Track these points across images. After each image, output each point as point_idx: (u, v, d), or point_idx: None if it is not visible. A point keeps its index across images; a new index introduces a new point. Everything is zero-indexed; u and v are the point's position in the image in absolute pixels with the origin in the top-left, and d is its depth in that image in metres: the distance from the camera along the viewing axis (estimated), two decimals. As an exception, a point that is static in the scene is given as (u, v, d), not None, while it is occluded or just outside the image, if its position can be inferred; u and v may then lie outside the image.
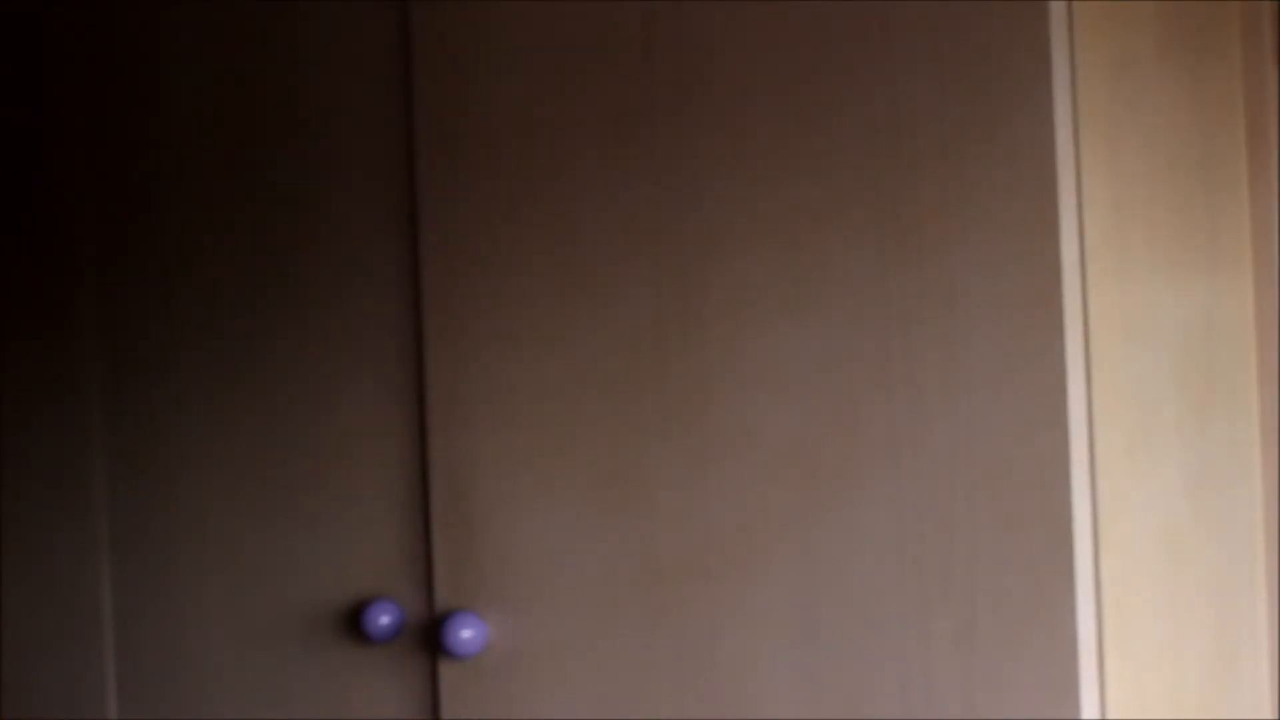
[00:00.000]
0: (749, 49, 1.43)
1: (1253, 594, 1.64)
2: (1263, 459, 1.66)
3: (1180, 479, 1.51)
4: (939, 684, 1.37)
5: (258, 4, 1.68)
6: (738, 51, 1.44)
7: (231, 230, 1.70)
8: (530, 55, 1.53)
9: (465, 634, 1.54)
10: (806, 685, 1.43)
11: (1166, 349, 1.49)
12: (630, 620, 1.50)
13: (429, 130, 1.59)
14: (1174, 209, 1.52)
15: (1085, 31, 1.37)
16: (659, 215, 1.48)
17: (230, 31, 1.70)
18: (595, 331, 1.51)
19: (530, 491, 1.54)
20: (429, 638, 1.60)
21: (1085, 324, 1.35)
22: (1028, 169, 1.33)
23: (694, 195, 1.46)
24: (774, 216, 1.43)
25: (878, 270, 1.39)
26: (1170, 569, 1.48)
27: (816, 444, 1.41)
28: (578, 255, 1.52)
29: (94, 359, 1.79)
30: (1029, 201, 1.33)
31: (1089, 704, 1.33)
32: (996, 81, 1.34)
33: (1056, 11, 1.33)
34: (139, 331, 1.76)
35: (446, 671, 1.59)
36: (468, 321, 1.57)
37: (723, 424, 1.45)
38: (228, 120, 1.70)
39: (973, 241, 1.35)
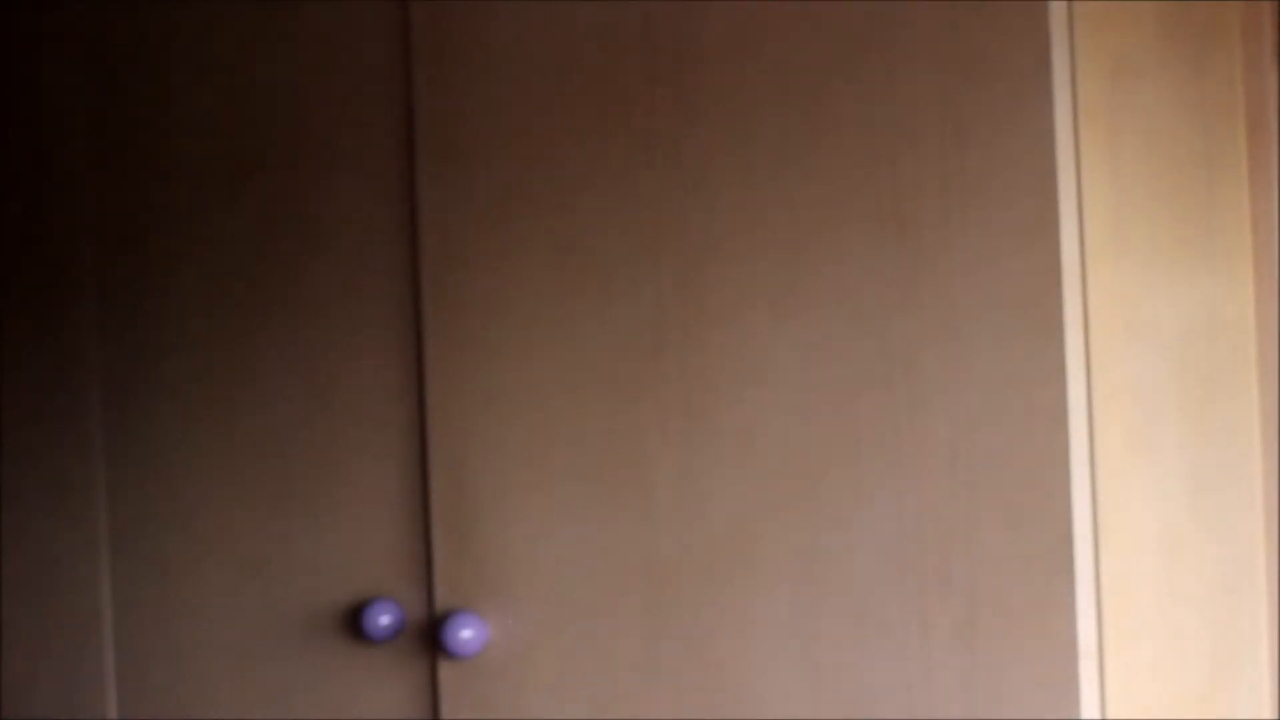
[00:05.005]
0: (749, 48, 1.43)
1: (1253, 594, 1.64)
2: (1263, 458, 1.66)
3: (1180, 478, 1.51)
4: (939, 684, 1.37)
5: (258, 5, 1.68)
6: (738, 51, 1.44)
7: (231, 229, 1.70)
8: (530, 55, 1.53)
9: (465, 634, 1.54)
10: (806, 685, 1.43)
11: (1166, 348, 1.49)
12: (630, 620, 1.50)
13: (429, 130, 1.58)
14: (1174, 208, 1.52)
15: (1085, 31, 1.37)
16: (659, 214, 1.48)
17: (230, 32, 1.70)
18: (595, 330, 1.51)
19: (530, 491, 1.54)
20: (429, 638, 1.60)
21: (1085, 323, 1.35)
22: (1028, 168, 1.33)
23: (694, 194, 1.46)
24: (774, 216, 1.43)
25: (878, 269, 1.39)
26: (1170, 568, 1.48)
27: (817, 443, 1.41)
28: (577, 254, 1.52)
29: (94, 359, 1.79)
30: (1029, 201, 1.33)
31: (1089, 704, 1.33)
32: (997, 81, 1.34)
33: (1056, 11, 1.33)
34: (139, 331, 1.76)
35: (446, 671, 1.59)
36: (467, 321, 1.57)
37: (722, 423, 1.45)
38: (227, 120, 1.70)
39: (973, 240, 1.35)
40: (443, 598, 1.59)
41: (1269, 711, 1.65)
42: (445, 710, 1.59)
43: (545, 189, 1.53)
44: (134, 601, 1.77)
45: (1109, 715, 1.36)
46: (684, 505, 1.47)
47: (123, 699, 1.78)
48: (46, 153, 1.81)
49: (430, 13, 1.58)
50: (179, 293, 1.74)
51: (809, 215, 1.41)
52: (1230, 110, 1.64)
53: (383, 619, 1.60)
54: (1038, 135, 1.32)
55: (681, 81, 1.47)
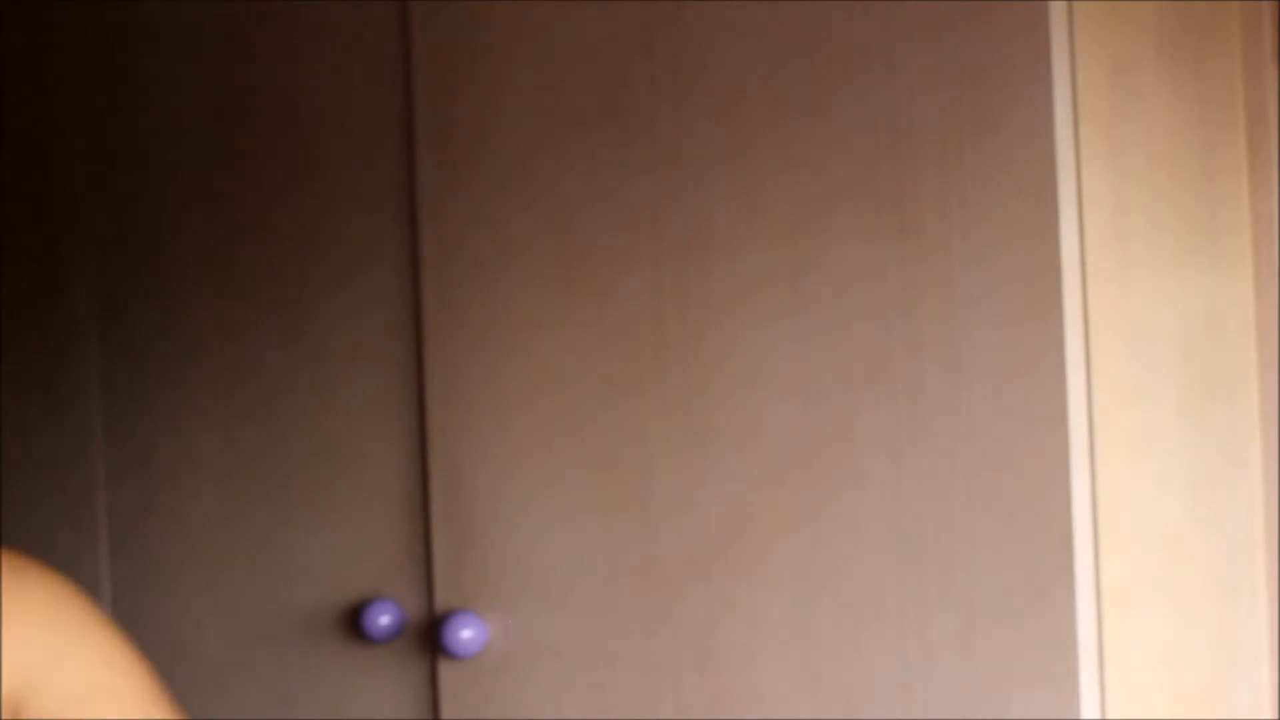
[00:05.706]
0: (748, 47, 1.43)
1: (1253, 594, 1.64)
2: (1263, 458, 1.66)
3: (1180, 477, 1.51)
4: (939, 684, 1.37)
5: (258, 4, 1.68)
6: (737, 50, 1.44)
7: (231, 229, 1.70)
8: (530, 53, 1.53)
9: (465, 634, 1.54)
10: (806, 685, 1.43)
11: (1167, 346, 1.49)
12: (630, 620, 1.50)
13: (429, 129, 1.58)
14: (1174, 207, 1.52)
15: (1085, 31, 1.37)
16: (658, 213, 1.48)
17: (230, 30, 1.70)
18: (595, 330, 1.51)
19: (530, 491, 1.54)
20: (429, 638, 1.60)
21: (1085, 322, 1.35)
22: (1028, 167, 1.33)
23: (693, 193, 1.46)
24: (774, 214, 1.43)
25: (877, 269, 1.39)
26: (1170, 568, 1.48)
27: (816, 442, 1.41)
28: (577, 253, 1.52)
29: (94, 359, 1.79)
30: (1029, 199, 1.33)
31: (1089, 704, 1.33)
32: (997, 81, 1.34)
33: (1057, 11, 1.33)
34: (139, 331, 1.76)
35: (446, 671, 1.59)
36: (467, 320, 1.57)
37: (722, 422, 1.45)
38: (227, 119, 1.70)
39: (972, 239, 1.35)
40: (443, 598, 1.59)
41: (1269, 711, 1.64)
42: (445, 710, 1.59)
43: (545, 188, 1.53)
44: (134, 601, 1.77)
45: (1109, 715, 1.36)
46: (684, 505, 1.47)
47: (123, 699, 1.78)
48: (46, 152, 1.81)
49: (430, 13, 1.58)
50: (179, 292, 1.74)
51: (809, 215, 1.41)
52: (1230, 110, 1.64)
53: (383, 619, 1.60)
54: (1038, 135, 1.32)
55: (681, 81, 1.47)
